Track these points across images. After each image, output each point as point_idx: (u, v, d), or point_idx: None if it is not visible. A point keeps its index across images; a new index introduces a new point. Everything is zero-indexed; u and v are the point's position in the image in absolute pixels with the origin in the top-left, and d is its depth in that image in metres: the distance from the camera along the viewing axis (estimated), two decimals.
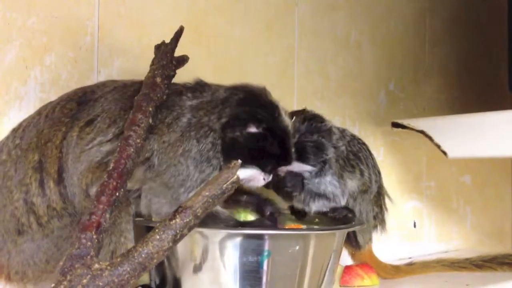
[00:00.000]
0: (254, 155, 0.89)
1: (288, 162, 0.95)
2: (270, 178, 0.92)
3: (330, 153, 1.03)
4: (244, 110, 0.89)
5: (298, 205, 1.05)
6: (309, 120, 1.03)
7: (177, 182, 0.86)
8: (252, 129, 0.89)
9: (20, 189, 0.85)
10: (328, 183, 1.03)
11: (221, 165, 0.88)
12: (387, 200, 1.20)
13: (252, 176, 0.90)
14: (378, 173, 1.15)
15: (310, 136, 1.01)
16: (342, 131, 1.11)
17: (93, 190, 0.84)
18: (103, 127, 0.87)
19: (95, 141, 0.87)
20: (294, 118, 1.02)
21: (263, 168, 0.90)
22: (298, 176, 1.01)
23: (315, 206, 1.03)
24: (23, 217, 0.85)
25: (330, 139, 1.04)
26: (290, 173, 1.01)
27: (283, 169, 1.01)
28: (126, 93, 0.92)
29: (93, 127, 0.88)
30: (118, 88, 0.92)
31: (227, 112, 0.89)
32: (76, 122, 0.88)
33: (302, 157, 1.01)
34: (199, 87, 0.94)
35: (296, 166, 1.01)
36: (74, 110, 0.89)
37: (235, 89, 0.92)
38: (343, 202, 1.06)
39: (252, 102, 0.90)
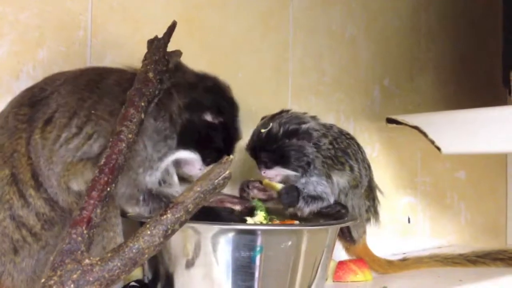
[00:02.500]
0: (201, 143, 0.89)
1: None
2: (205, 170, 0.91)
3: (312, 153, 1.04)
4: (208, 97, 0.89)
5: (293, 211, 1.06)
6: (285, 124, 1.03)
7: (135, 163, 0.85)
8: (208, 118, 0.90)
9: (2, 208, 0.83)
10: (316, 183, 1.04)
11: (175, 146, 0.88)
12: (379, 193, 1.21)
13: (189, 161, 0.91)
14: (368, 167, 1.15)
15: (289, 141, 1.02)
16: (330, 128, 1.11)
17: (74, 184, 0.83)
18: (64, 122, 0.85)
19: (61, 138, 0.85)
20: (271, 125, 1.03)
21: (203, 158, 0.91)
22: (294, 191, 1.02)
23: (309, 209, 1.04)
24: (15, 233, 0.83)
25: (310, 139, 1.04)
26: (286, 188, 1.02)
27: (268, 174, 1.03)
28: (80, 82, 0.89)
29: (53, 125, 0.85)
30: (69, 80, 0.90)
31: (191, 95, 0.89)
32: (34, 124, 0.86)
33: (284, 162, 1.02)
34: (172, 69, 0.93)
35: (281, 171, 1.02)
36: (28, 114, 0.87)
37: (204, 77, 0.93)
38: (331, 201, 1.06)
39: (218, 92, 0.91)
